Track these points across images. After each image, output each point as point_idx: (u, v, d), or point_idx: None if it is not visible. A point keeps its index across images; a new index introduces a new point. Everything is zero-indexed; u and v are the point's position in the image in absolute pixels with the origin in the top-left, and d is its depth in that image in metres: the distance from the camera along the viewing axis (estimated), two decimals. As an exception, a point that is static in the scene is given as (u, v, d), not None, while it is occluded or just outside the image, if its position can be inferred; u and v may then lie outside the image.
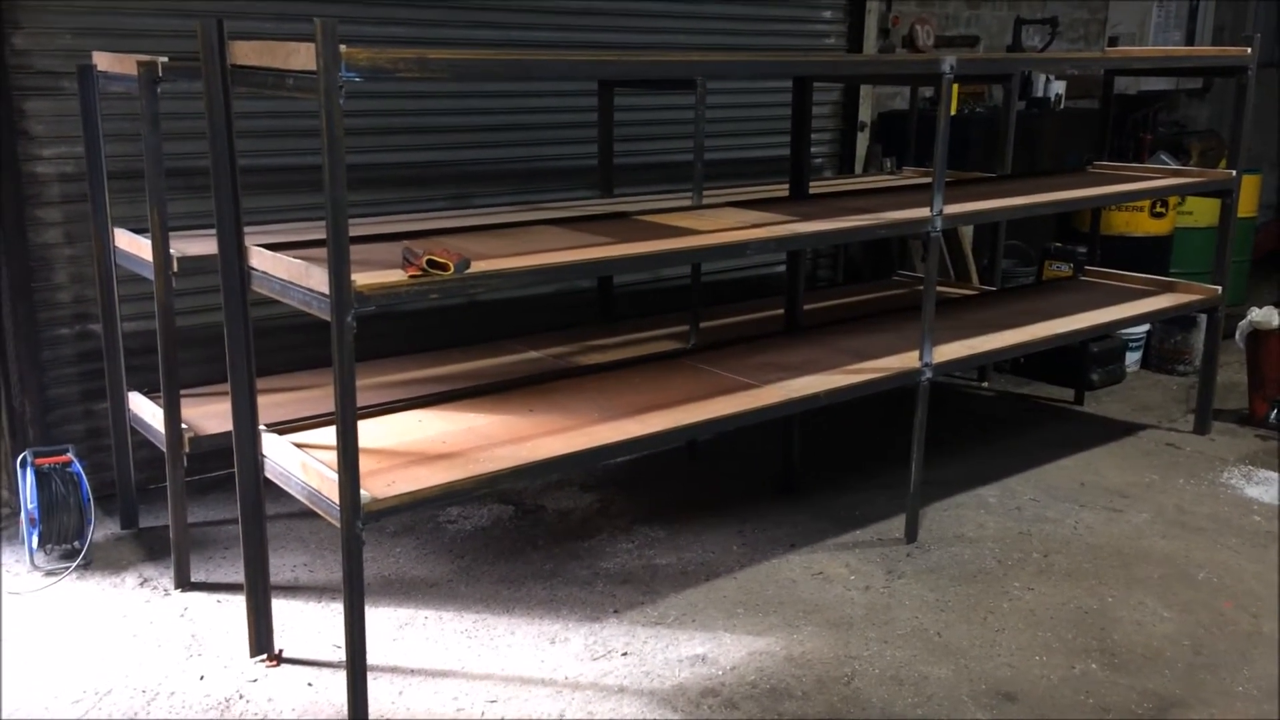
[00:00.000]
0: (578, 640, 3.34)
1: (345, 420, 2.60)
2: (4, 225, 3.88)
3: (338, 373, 2.58)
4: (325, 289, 2.57)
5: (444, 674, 3.15)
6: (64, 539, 3.74)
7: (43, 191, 3.99)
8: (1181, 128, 8.66)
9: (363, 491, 2.68)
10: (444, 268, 2.72)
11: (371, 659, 3.19)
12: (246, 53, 2.80)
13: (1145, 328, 6.09)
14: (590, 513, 4.24)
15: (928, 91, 6.47)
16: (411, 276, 2.71)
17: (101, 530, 4.00)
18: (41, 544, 3.71)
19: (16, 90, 3.87)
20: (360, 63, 2.48)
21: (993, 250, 5.90)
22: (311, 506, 2.86)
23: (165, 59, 3.31)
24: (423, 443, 3.19)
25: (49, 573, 3.69)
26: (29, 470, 3.68)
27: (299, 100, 2.62)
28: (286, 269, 2.79)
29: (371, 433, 3.27)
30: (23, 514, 3.71)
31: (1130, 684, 3.14)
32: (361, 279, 2.63)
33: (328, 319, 2.58)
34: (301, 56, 2.54)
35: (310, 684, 3.09)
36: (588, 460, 3.21)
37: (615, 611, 3.50)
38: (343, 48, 2.44)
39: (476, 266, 2.88)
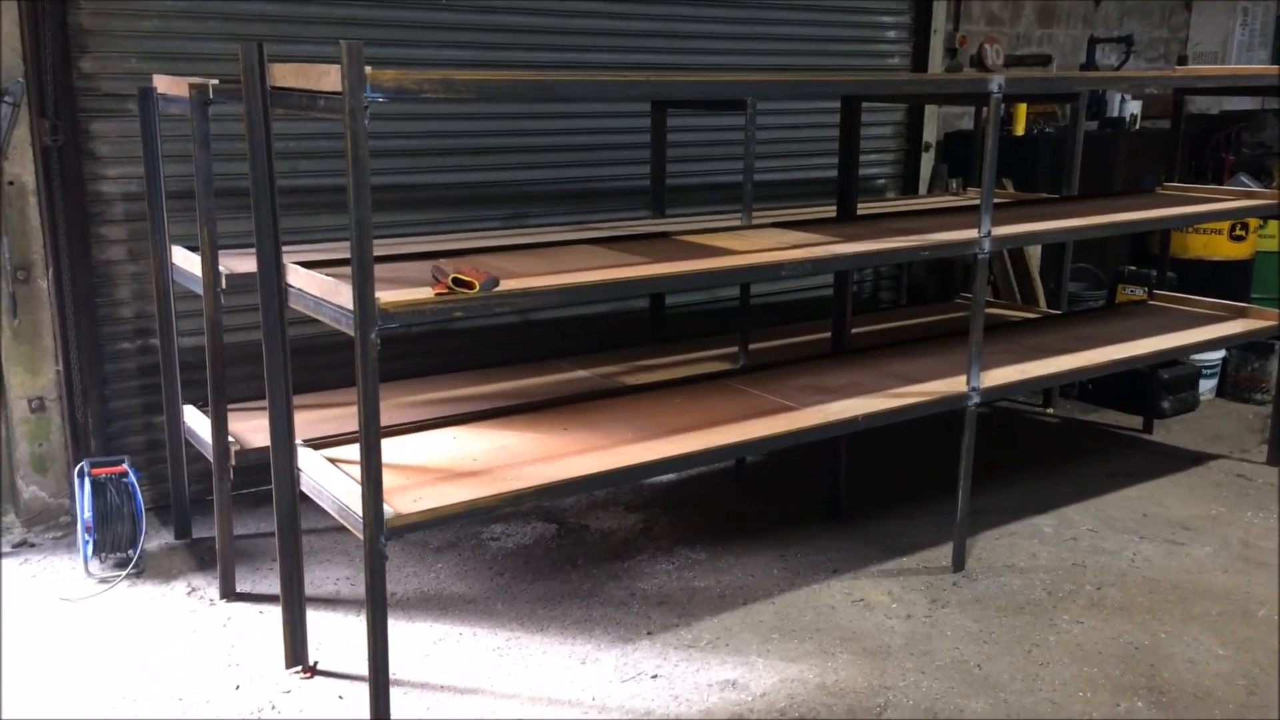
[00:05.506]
0: (609, 661, 3.32)
1: (369, 436, 2.63)
2: (70, 242, 4.03)
3: (361, 388, 2.61)
4: (351, 305, 2.61)
5: (472, 691, 3.15)
6: (117, 548, 3.84)
7: (107, 210, 4.14)
8: (1267, 148, 8.36)
9: (386, 507, 2.71)
10: (470, 286, 2.75)
11: (403, 674, 3.22)
12: (285, 75, 2.86)
13: (1220, 354, 5.88)
14: (633, 533, 4.23)
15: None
16: (437, 294, 2.74)
17: (156, 540, 4.11)
18: (96, 552, 3.82)
19: (83, 112, 4.02)
20: (385, 83, 2.51)
21: (1059, 273, 5.75)
22: (341, 520, 2.90)
23: (216, 81, 3.40)
24: (454, 460, 3.22)
25: (102, 580, 3.80)
26: (85, 480, 3.79)
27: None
28: (319, 286, 2.84)
29: (406, 449, 3.30)
30: (79, 523, 3.83)
31: (1177, 724, 3.02)
32: (386, 296, 2.66)
33: (353, 334, 2.62)
34: (332, 78, 2.58)
35: (341, 697, 3.12)
36: (615, 480, 3.20)
37: (649, 633, 3.48)
38: (368, 69, 2.48)
39: (506, 285, 2.90)
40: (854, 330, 4.59)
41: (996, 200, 4.44)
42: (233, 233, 4.00)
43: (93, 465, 3.84)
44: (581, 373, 4.36)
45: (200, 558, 3.98)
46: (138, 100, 3.82)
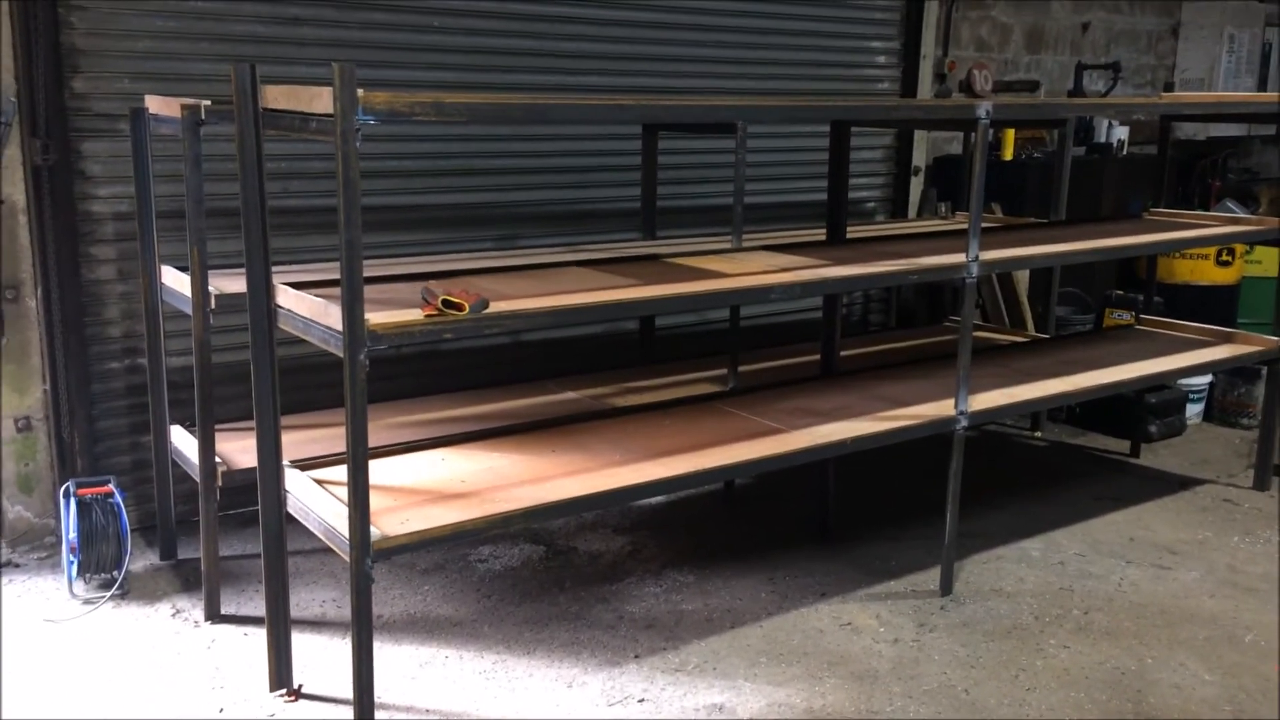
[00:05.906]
0: (595, 685, 3.30)
1: (356, 458, 2.63)
2: (60, 261, 4.02)
3: (350, 409, 2.61)
4: (341, 326, 2.61)
5: (458, 715, 3.14)
6: (102, 568, 3.82)
7: (97, 229, 4.13)
8: (1254, 174, 8.43)
9: (372, 529, 2.70)
10: (459, 308, 2.75)
11: (389, 697, 3.20)
12: (277, 96, 2.87)
13: (1207, 379, 5.90)
14: (621, 555, 4.22)
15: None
16: (427, 316, 2.74)
17: (141, 561, 4.09)
18: (80, 573, 3.79)
19: (75, 132, 4.02)
20: (377, 106, 2.52)
21: (1046, 297, 5.78)
22: (327, 542, 2.89)
23: (208, 102, 3.41)
24: (443, 482, 3.21)
25: (86, 601, 3.77)
26: (71, 500, 3.77)
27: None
28: (308, 307, 2.84)
29: (394, 470, 3.30)
30: (64, 543, 3.81)
31: (1164, 750, 3.02)
32: (376, 318, 2.67)
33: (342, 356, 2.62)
34: (324, 100, 2.59)
35: (325, 720, 3.11)
36: (604, 502, 3.20)
37: (636, 657, 3.47)
38: (360, 92, 2.49)
39: (496, 307, 2.90)
40: (843, 353, 4.60)
41: (985, 225, 4.47)
42: (223, 253, 4.00)
43: (78, 485, 3.82)
44: (571, 394, 4.37)
45: (185, 579, 3.95)
46: (129, 120, 3.82)
